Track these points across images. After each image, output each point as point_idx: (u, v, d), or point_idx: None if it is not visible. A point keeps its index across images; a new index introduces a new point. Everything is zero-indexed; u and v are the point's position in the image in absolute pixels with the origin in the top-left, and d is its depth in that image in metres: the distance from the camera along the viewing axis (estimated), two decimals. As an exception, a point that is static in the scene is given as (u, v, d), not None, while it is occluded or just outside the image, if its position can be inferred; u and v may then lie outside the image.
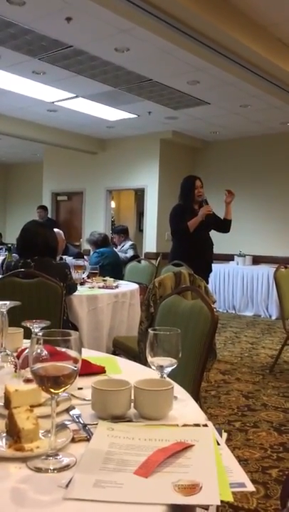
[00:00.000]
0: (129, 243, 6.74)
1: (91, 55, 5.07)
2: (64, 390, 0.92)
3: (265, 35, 4.62)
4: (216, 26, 4.03)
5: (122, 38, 4.63)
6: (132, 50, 4.90)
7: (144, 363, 1.29)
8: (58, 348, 0.92)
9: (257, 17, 4.36)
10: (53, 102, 6.90)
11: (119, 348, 3.32)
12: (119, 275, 4.88)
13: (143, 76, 5.68)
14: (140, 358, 2.47)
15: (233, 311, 7.89)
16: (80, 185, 9.77)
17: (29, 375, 1.12)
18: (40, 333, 0.93)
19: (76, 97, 6.60)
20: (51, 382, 0.89)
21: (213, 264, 4.83)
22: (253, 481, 2.36)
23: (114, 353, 3.23)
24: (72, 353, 0.92)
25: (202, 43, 4.27)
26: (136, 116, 7.50)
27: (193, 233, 4.47)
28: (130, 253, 6.54)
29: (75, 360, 0.91)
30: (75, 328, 3.17)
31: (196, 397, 1.82)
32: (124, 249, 6.60)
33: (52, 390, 0.90)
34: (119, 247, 6.65)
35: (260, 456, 2.66)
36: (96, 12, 4.05)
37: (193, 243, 4.47)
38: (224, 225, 4.78)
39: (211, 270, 4.76)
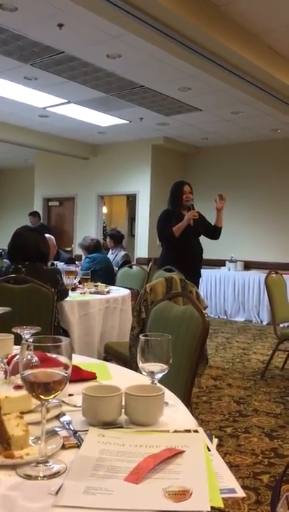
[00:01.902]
0: (121, 254, 6.69)
1: (83, 61, 5.09)
2: (54, 397, 0.91)
3: (256, 42, 4.66)
4: (207, 34, 4.07)
5: (114, 45, 4.66)
6: (124, 56, 4.93)
7: (136, 368, 1.29)
8: (49, 354, 0.91)
9: (248, 25, 4.40)
10: (44, 108, 6.91)
11: (110, 354, 3.32)
12: (111, 280, 4.88)
13: (135, 82, 5.71)
14: (131, 364, 2.46)
15: (225, 317, 7.90)
16: (72, 190, 9.77)
17: (19, 382, 1.12)
18: (31, 340, 0.93)
19: (68, 102, 6.62)
20: (41, 388, 0.89)
21: (204, 270, 4.82)
22: (244, 487, 2.35)
23: (105, 359, 3.22)
24: (63, 359, 0.91)
25: (193, 50, 4.30)
26: (128, 122, 7.53)
27: (181, 238, 4.43)
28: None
29: (66, 367, 0.91)
30: (66, 333, 3.16)
31: (188, 403, 1.81)
32: (116, 261, 6.52)
33: (42, 397, 0.90)
34: (111, 256, 6.62)
35: (251, 461, 2.66)
36: (88, 18, 4.07)
37: (181, 248, 4.44)
38: (214, 232, 4.74)
39: (200, 275, 4.74)
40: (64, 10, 4.01)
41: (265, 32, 4.53)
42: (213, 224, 4.73)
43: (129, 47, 4.68)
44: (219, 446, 2.84)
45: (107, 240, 6.93)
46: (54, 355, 0.91)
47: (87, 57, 5.00)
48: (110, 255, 6.68)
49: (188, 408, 1.30)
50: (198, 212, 4.51)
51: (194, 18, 3.91)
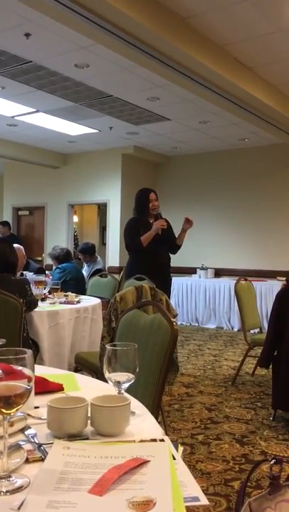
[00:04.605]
0: (97, 267, 6.64)
1: (51, 70, 5.08)
2: (17, 410, 0.90)
3: (222, 54, 4.75)
4: (174, 45, 4.12)
5: (82, 55, 4.67)
6: (92, 66, 4.94)
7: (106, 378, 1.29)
8: (15, 367, 0.90)
9: (213, 37, 4.48)
10: (13, 117, 6.85)
11: (81, 364, 3.29)
12: (82, 290, 4.85)
13: (103, 92, 5.73)
14: (103, 374, 2.44)
15: (196, 324, 7.95)
16: (42, 199, 9.69)
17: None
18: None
19: (37, 111, 6.58)
20: (2, 402, 0.88)
21: (175, 278, 4.81)
22: (216, 494, 2.36)
23: (76, 370, 3.20)
24: (27, 371, 0.91)
25: (161, 61, 4.35)
26: (97, 131, 7.54)
27: (148, 247, 4.36)
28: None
29: (30, 379, 0.90)
30: (36, 345, 3.12)
31: (157, 411, 1.82)
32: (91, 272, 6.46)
33: (3, 411, 0.88)
34: (88, 268, 6.55)
35: (222, 468, 2.67)
36: (55, 28, 4.07)
37: (147, 257, 4.37)
38: (174, 248, 4.65)
39: (169, 284, 4.70)
40: (31, 19, 4.00)
41: (230, 44, 4.62)
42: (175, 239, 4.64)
43: (98, 57, 4.70)
44: (191, 454, 2.84)
45: (81, 256, 6.83)
46: (19, 368, 0.90)
47: (55, 66, 4.99)
48: (86, 268, 6.62)
49: (158, 416, 1.30)
50: (165, 219, 4.49)
51: (161, 29, 3.96)
